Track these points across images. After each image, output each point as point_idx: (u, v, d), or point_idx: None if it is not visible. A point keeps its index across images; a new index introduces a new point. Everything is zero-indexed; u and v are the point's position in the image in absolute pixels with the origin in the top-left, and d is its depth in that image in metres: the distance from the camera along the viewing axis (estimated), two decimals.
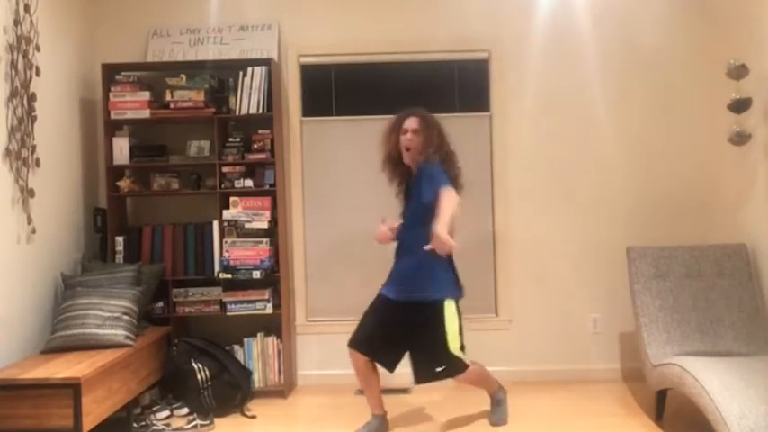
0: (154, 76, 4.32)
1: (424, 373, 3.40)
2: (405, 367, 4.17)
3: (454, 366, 3.37)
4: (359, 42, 4.42)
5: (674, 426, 3.52)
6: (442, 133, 3.46)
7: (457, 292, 3.42)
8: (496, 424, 3.59)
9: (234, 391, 3.93)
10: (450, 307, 3.34)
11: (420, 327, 3.34)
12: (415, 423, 3.70)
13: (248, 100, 4.17)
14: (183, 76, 4.17)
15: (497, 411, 3.64)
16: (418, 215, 3.30)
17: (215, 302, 4.17)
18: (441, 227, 3.07)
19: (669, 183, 4.37)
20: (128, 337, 3.55)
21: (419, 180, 3.33)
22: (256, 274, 4.08)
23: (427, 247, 3.12)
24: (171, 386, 3.97)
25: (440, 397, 3.89)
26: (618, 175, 4.39)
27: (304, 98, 4.49)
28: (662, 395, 3.58)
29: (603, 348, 4.40)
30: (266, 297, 4.14)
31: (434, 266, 3.31)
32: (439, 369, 3.36)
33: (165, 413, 3.80)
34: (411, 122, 3.43)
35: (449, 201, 3.13)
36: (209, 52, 4.36)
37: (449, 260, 3.39)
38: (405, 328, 3.37)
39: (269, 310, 4.15)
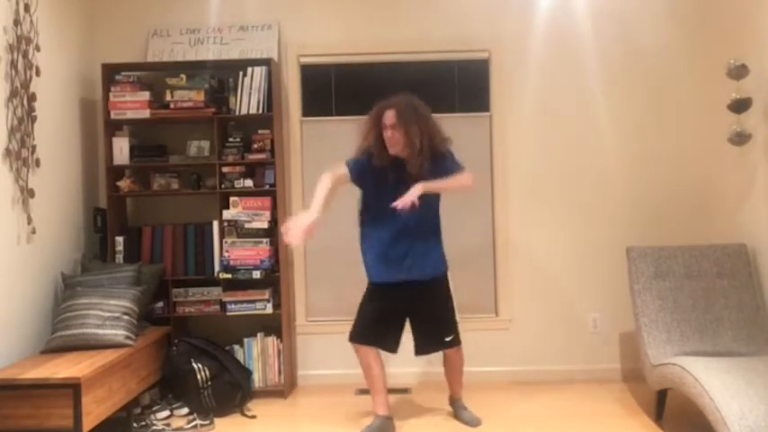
0: (154, 76, 4.33)
1: (433, 344, 3.56)
2: (405, 368, 4.20)
3: (457, 336, 3.59)
4: (359, 42, 4.42)
5: (674, 426, 3.52)
6: (427, 121, 3.41)
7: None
8: (477, 423, 3.62)
9: (234, 391, 3.93)
10: (449, 279, 3.59)
11: (431, 300, 3.51)
12: (415, 423, 3.70)
13: (248, 100, 4.17)
14: (183, 76, 4.17)
15: (467, 413, 3.67)
16: (434, 202, 3.51)
17: (215, 302, 4.17)
18: (428, 185, 3.32)
19: (669, 183, 4.37)
20: (128, 337, 3.55)
21: (442, 169, 3.41)
22: (256, 274, 4.08)
23: (397, 203, 3.25)
24: (171, 386, 3.97)
25: (440, 396, 3.89)
26: (618, 175, 4.39)
27: (304, 98, 4.49)
28: (662, 395, 3.58)
29: (603, 348, 4.40)
30: (266, 297, 4.14)
31: (438, 242, 3.56)
32: (448, 338, 3.55)
33: (165, 413, 3.80)
34: (389, 117, 3.38)
35: (463, 180, 3.45)
36: (209, 52, 4.36)
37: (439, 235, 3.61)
38: (411, 305, 3.49)
39: (269, 310, 4.15)
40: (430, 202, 3.47)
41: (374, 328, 3.49)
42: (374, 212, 3.50)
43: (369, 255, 3.53)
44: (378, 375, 3.51)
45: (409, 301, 3.49)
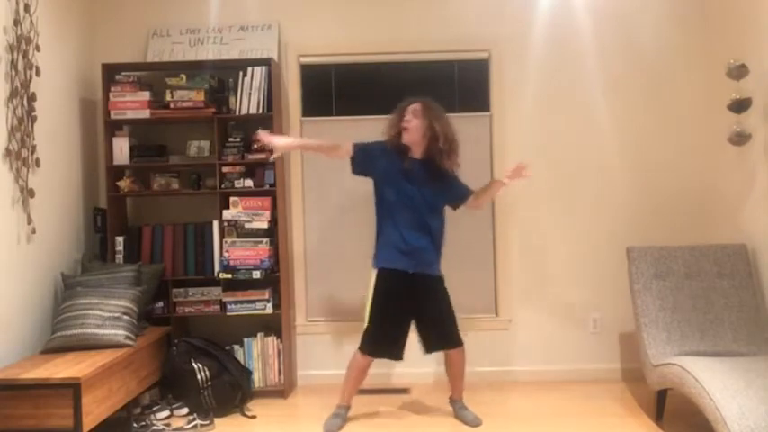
0: (154, 76, 4.32)
1: (443, 340, 3.60)
2: (405, 368, 4.19)
3: (460, 336, 3.66)
4: (359, 42, 4.42)
5: (674, 426, 3.52)
6: (445, 122, 3.62)
7: None
8: (477, 423, 3.62)
9: (234, 391, 3.93)
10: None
11: (436, 297, 3.60)
12: (415, 423, 3.70)
13: (248, 100, 4.17)
14: (183, 76, 4.17)
15: (468, 412, 3.68)
16: (439, 205, 3.66)
17: (215, 302, 4.17)
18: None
19: (669, 183, 4.37)
20: (128, 337, 3.55)
21: (449, 181, 3.65)
22: (256, 274, 4.08)
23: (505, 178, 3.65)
24: (171, 386, 3.96)
25: (440, 396, 3.89)
26: (618, 175, 4.39)
27: (304, 98, 4.49)
28: (662, 395, 3.58)
29: (603, 348, 4.40)
30: (266, 297, 4.14)
31: (439, 244, 3.66)
32: (456, 336, 3.62)
33: (165, 413, 3.80)
34: (413, 107, 3.61)
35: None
36: (209, 52, 4.36)
37: None
38: (417, 303, 3.55)
39: (269, 310, 4.15)
40: (442, 208, 3.70)
41: (385, 340, 3.56)
42: (388, 205, 3.60)
43: (381, 242, 3.62)
44: (362, 378, 3.67)
45: (415, 298, 3.54)
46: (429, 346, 3.63)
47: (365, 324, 3.58)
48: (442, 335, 3.61)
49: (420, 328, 3.62)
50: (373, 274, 3.60)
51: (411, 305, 3.57)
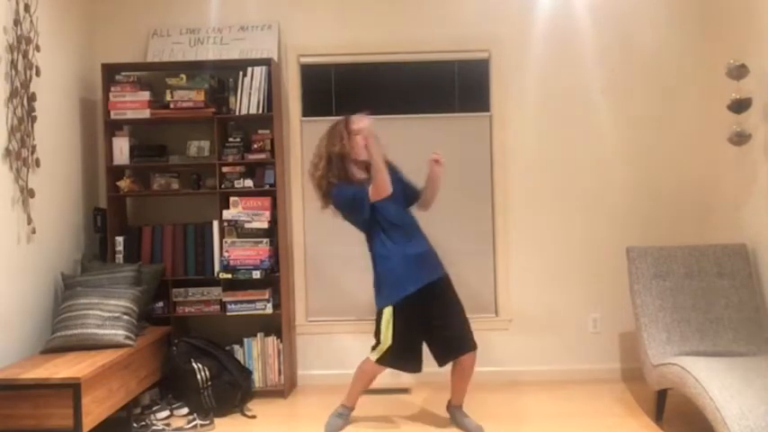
0: (154, 76, 4.32)
1: (457, 346, 3.47)
2: None
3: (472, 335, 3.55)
4: (359, 42, 4.42)
5: (674, 426, 3.52)
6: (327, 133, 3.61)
7: None
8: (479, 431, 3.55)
9: (234, 391, 3.93)
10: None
11: (448, 300, 3.49)
12: (415, 423, 3.70)
13: (248, 100, 4.17)
14: (183, 76, 4.17)
15: (469, 420, 3.59)
16: (409, 201, 3.61)
17: (215, 302, 4.17)
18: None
19: (669, 183, 4.37)
20: (128, 337, 3.55)
21: (400, 176, 3.58)
22: (256, 274, 4.08)
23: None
24: (171, 386, 3.97)
25: (440, 396, 3.89)
26: (618, 175, 4.39)
27: (304, 98, 4.49)
28: (662, 395, 3.58)
29: (603, 348, 4.40)
30: (266, 297, 4.14)
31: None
32: (470, 340, 3.51)
33: (165, 413, 3.80)
34: (355, 121, 3.51)
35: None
36: (209, 52, 4.36)
37: None
38: (428, 313, 3.43)
39: (269, 310, 4.15)
40: (405, 202, 3.61)
41: (409, 356, 3.48)
42: (388, 226, 3.44)
43: (393, 263, 3.42)
44: (371, 383, 3.64)
45: (428, 308, 3.42)
46: (440, 358, 3.51)
47: (387, 342, 3.40)
48: (454, 341, 3.47)
49: (431, 338, 3.49)
50: (387, 312, 3.40)
51: (423, 318, 3.44)
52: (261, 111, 4.17)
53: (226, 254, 4.10)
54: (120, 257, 4.16)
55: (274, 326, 4.24)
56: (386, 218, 3.44)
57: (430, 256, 3.52)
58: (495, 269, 4.44)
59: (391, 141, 3.67)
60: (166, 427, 3.66)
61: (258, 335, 4.24)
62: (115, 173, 4.25)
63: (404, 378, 4.27)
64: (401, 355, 3.46)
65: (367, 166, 3.45)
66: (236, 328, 4.28)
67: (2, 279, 3.33)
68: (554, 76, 4.39)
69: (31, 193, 3.55)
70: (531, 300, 4.42)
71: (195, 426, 3.64)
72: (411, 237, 3.49)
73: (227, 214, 4.13)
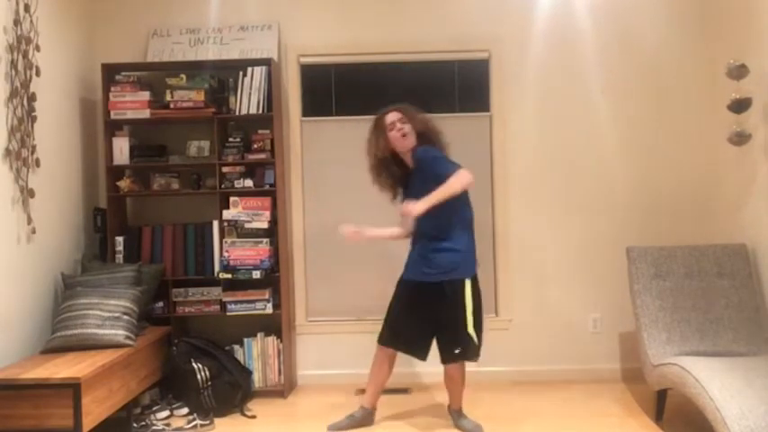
0: (154, 76, 4.32)
1: (445, 354, 3.47)
2: (405, 367, 4.19)
3: (469, 351, 3.44)
4: (359, 42, 4.42)
5: (674, 426, 3.52)
6: (423, 116, 3.59)
7: (474, 269, 3.53)
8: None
9: (234, 391, 3.93)
10: (468, 286, 3.46)
11: (444, 306, 3.42)
12: (416, 423, 3.70)
13: (248, 100, 4.17)
14: (183, 76, 4.17)
15: (468, 421, 3.59)
16: (436, 208, 3.31)
17: (215, 302, 4.17)
18: (424, 202, 3.24)
19: (669, 183, 4.37)
20: (128, 337, 3.55)
21: (423, 167, 3.42)
22: (256, 274, 4.08)
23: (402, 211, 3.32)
24: (171, 386, 3.97)
25: (440, 397, 3.89)
26: (618, 175, 4.39)
27: (304, 98, 4.49)
28: (662, 395, 3.58)
29: (603, 348, 4.40)
30: (266, 297, 4.14)
31: (453, 245, 3.44)
32: (456, 351, 3.43)
33: (165, 413, 3.80)
34: (392, 116, 3.52)
35: (451, 186, 3.26)
36: (209, 52, 4.36)
37: (470, 236, 3.54)
38: (431, 309, 3.44)
39: (269, 310, 4.15)
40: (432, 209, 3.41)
41: (402, 333, 3.49)
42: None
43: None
44: (384, 376, 3.58)
45: (433, 304, 3.44)
46: (441, 356, 3.52)
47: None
48: (443, 347, 3.48)
49: (436, 337, 3.53)
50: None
51: (429, 311, 3.47)
52: (261, 111, 4.17)
53: (226, 254, 4.10)
54: (120, 257, 4.16)
55: (274, 326, 4.24)
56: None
57: (419, 260, 3.47)
58: (495, 269, 4.44)
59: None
60: (166, 427, 3.66)
61: (258, 335, 4.24)
62: (115, 173, 4.25)
63: (404, 378, 4.27)
64: (394, 330, 3.49)
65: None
66: (236, 328, 4.28)
67: (2, 279, 3.33)
68: (554, 76, 4.39)
69: (31, 193, 3.55)
70: (531, 300, 4.42)
71: (195, 426, 3.64)
72: (416, 241, 3.54)
73: (227, 214, 4.13)
